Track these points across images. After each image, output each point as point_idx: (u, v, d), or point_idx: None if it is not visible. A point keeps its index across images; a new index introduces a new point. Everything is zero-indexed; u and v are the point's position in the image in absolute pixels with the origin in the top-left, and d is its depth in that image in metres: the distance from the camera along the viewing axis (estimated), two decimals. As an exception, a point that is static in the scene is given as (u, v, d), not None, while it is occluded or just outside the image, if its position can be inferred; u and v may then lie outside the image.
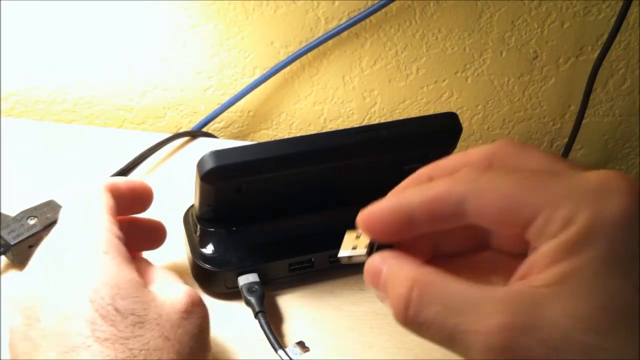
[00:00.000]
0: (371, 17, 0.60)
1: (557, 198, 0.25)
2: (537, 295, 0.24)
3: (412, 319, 0.26)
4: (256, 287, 0.43)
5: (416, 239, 0.29)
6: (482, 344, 0.24)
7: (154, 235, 0.43)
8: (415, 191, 0.28)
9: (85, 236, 0.34)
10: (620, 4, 0.57)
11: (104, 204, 0.36)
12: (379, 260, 0.28)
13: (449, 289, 0.26)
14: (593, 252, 0.24)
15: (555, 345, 0.23)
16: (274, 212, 0.46)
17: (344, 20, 0.61)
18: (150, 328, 0.31)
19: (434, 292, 0.26)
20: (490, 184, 0.27)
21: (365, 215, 0.29)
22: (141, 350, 0.30)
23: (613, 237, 0.24)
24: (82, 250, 0.33)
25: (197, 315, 0.33)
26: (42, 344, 0.30)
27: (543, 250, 0.25)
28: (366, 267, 0.29)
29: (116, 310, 0.31)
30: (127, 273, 0.33)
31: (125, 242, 0.35)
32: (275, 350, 0.40)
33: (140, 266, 0.36)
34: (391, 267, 0.28)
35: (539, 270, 0.25)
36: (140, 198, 0.40)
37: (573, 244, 0.24)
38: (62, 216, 0.36)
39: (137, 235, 0.40)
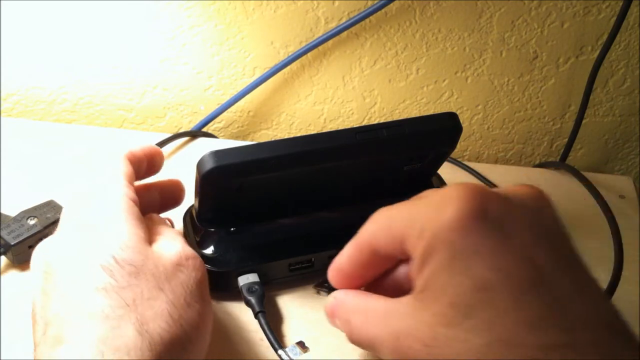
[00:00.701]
0: (371, 17, 0.60)
1: (413, 218, 0.30)
2: (414, 302, 0.29)
3: (354, 339, 0.33)
4: (256, 287, 0.43)
5: (381, 284, 0.34)
6: (386, 349, 0.30)
7: (174, 193, 0.45)
8: (345, 248, 0.34)
9: (102, 200, 0.36)
10: (620, 4, 0.57)
11: (121, 171, 0.39)
12: (331, 299, 0.35)
13: (374, 308, 0.31)
14: (438, 257, 0.28)
15: (426, 342, 0.28)
16: (274, 212, 0.46)
17: (344, 20, 0.61)
18: (146, 278, 0.32)
19: (363, 314, 0.32)
20: (380, 221, 0.32)
21: (329, 271, 0.35)
22: (134, 299, 0.31)
23: (450, 240, 0.28)
24: (97, 212, 0.35)
25: (191, 268, 0.35)
26: (52, 296, 0.32)
27: (411, 265, 0.30)
28: (324, 307, 0.35)
29: (115, 260, 0.32)
30: (133, 228, 0.34)
31: (141, 205, 0.37)
32: (275, 350, 0.40)
33: (151, 224, 0.38)
34: (339, 301, 0.34)
35: (413, 283, 0.30)
36: (153, 160, 0.43)
37: (425, 254, 0.29)
38: (85, 184, 0.38)
39: (158, 197, 0.44)
